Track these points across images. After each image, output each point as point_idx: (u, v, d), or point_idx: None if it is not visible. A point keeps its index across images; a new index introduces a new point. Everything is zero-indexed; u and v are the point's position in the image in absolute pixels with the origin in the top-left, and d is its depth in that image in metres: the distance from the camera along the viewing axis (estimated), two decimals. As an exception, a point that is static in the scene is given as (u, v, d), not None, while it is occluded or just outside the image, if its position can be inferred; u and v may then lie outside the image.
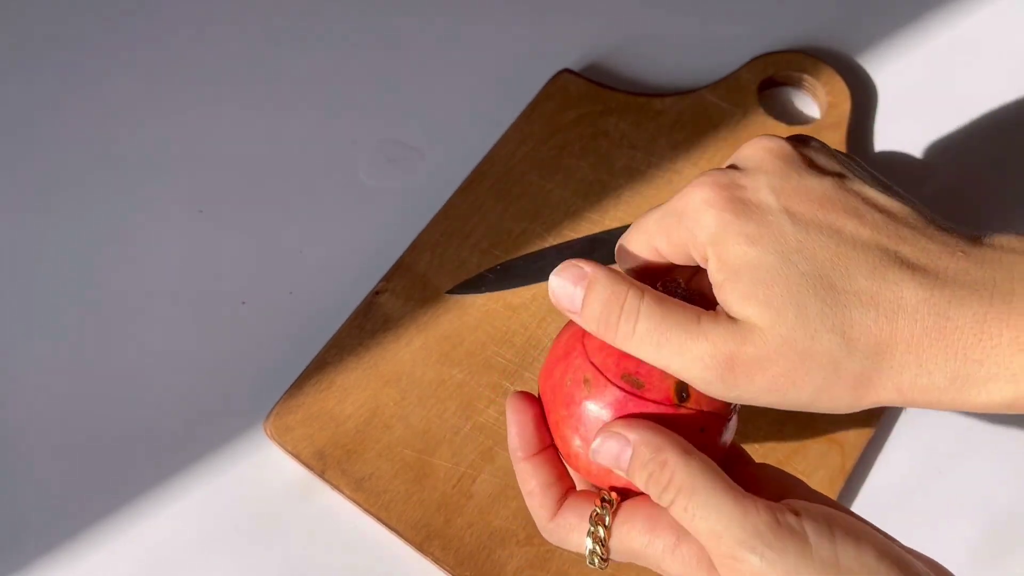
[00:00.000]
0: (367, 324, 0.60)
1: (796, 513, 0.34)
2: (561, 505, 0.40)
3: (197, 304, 0.62)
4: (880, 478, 0.56)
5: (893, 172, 0.65)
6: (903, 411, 0.57)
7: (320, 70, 0.71)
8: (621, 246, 0.42)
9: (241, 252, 0.64)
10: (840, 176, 0.38)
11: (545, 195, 0.64)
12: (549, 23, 0.72)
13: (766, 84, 0.68)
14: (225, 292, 0.62)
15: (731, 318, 0.36)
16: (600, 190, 0.63)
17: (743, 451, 0.43)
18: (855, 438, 0.55)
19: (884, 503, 0.55)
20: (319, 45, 0.72)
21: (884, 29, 0.71)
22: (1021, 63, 0.69)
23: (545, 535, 0.40)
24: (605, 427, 0.37)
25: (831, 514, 0.34)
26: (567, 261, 0.38)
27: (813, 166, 0.38)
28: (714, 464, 0.35)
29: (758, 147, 0.38)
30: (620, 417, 0.37)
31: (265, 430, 0.57)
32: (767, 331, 0.35)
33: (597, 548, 0.38)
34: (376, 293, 0.61)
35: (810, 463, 0.55)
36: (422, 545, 0.53)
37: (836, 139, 0.64)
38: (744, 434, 0.56)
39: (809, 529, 0.33)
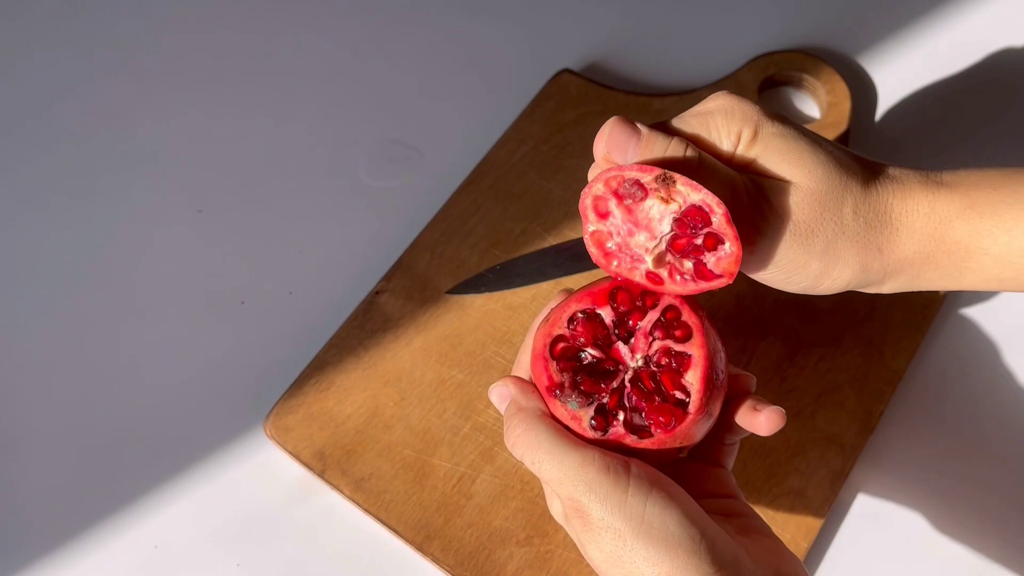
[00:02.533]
0: (367, 324, 0.60)
1: (628, 467, 0.40)
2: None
3: (197, 304, 0.62)
4: (881, 478, 0.56)
5: (893, 172, 0.65)
6: (902, 412, 0.57)
7: (320, 70, 0.71)
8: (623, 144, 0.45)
9: (241, 252, 0.64)
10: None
11: (545, 195, 0.64)
12: (549, 23, 0.72)
13: (766, 84, 0.67)
14: (225, 292, 0.63)
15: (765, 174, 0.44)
16: (600, 190, 0.63)
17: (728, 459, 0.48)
18: (855, 438, 0.55)
19: (885, 503, 0.55)
20: (319, 46, 0.72)
21: (884, 29, 0.71)
22: (1021, 63, 0.69)
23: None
24: (501, 379, 0.45)
25: (659, 478, 0.41)
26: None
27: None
28: (558, 425, 0.42)
29: (726, 97, 0.45)
30: (510, 377, 0.45)
31: (265, 430, 0.57)
32: (802, 184, 0.43)
33: None
34: (376, 293, 0.61)
35: (810, 463, 0.55)
36: (422, 545, 0.53)
37: (836, 138, 0.64)
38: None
39: (632, 484, 0.40)
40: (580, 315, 0.44)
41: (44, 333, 0.62)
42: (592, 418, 0.42)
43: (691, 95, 0.67)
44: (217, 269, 0.63)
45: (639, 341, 0.43)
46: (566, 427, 0.43)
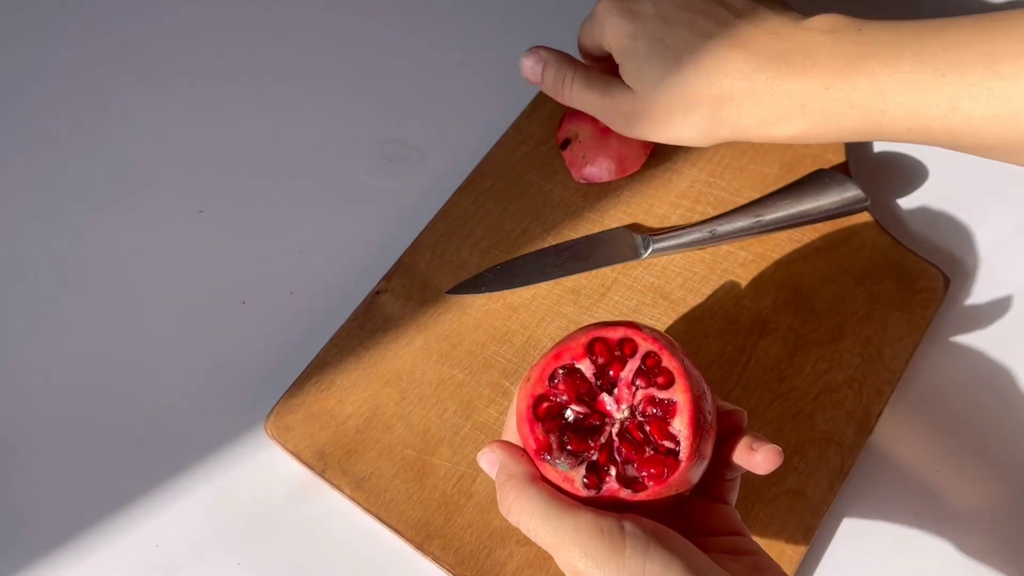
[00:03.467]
0: (367, 324, 0.60)
1: (622, 527, 0.40)
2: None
3: (197, 304, 0.62)
4: (881, 478, 0.56)
5: (892, 170, 0.65)
6: (902, 412, 0.58)
7: (320, 70, 0.71)
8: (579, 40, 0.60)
9: (241, 252, 0.64)
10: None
11: (545, 195, 0.64)
12: (549, 23, 0.72)
13: (765, 84, 0.68)
14: (225, 292, 0.63)
15: (628, 87, 0.54)
16: (600, 190, 0.63)
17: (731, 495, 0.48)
18: (854, 438, 0.56)
19: (885, 503, 0.56)
20: (319, 45, 0.72)
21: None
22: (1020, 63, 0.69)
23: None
24: (488, 444, 0.45)
25: (658, 531, 0.40)
26: (533, 47, 0.59)
27: None
28: (550, 488, 0.42)
29: None
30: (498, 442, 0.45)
31: (265, 430, 0.57)
32: (643, 96, 0.53)
33: None
34: (376, 293, 0.61)
35: (810, 463, 0.55)
36: (422, 544, 0.54)
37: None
38: (743, 434, 0.56)
39: (628, 544, 0.39)
40: (560, 371, 0.44)
41: (44, 333, 0.62)
42: (584, 476, 0.42)
43: (690, 95, 0.67)
44: (217, 269, 0.63)
45: (622, 391, 0.43)
46: (560, 488, 0.43)
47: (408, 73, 0.70)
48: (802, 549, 0.53)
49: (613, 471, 0.42)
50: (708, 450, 0.43)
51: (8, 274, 0.64)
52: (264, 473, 0.57)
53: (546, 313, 0.60)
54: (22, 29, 0.73)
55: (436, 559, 0.53)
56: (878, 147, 0.66)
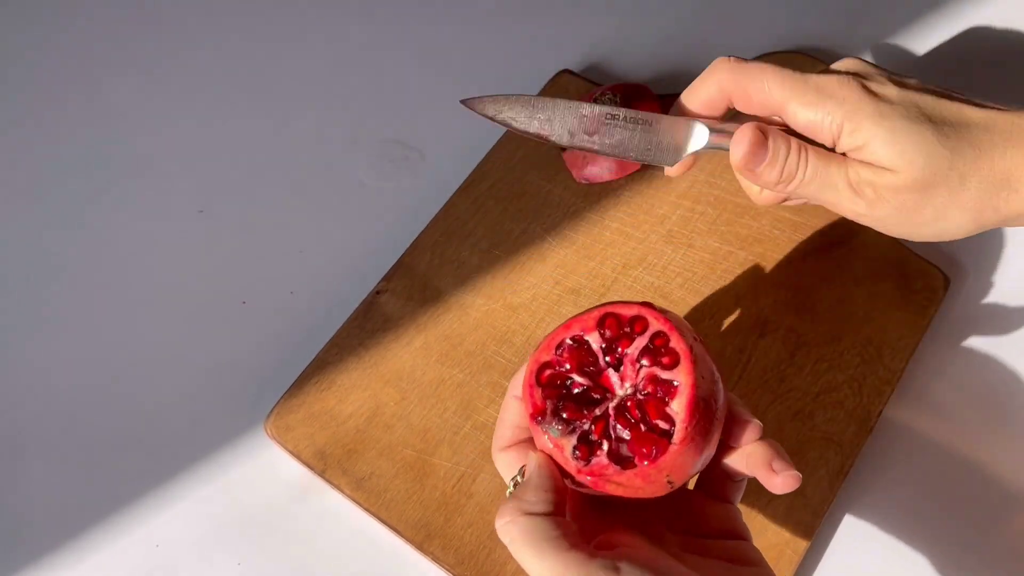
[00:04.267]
0: (367, 324, 0.60)
1: (616, 568, 0.38)
2: (512, 446, 0.45)
3: (197, 304, 0.62)
4: (881, 478, 0.56)
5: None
6: (902, 411, 0.58)
7: (320, 70, 0.71)
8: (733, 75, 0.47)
9: (241, 252, 0.64)
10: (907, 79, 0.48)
11: (545, 195, 0.64)
12: (549, 23, 0.72)
13: (765, 84, 0.68)
14: (225, 292, 0.63)
15: (869, 164, 0.45)
16: (600, 190, 0.63)
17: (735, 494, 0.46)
18: (854, 438, 0.56)
19: (885, 503, 0.56)
20: (319, 46, 0.72)
21: (884, 29, 0.71)
22: (1020, 63, 0.69)
23: (496, 459, 0.46)
24: (537, 452, 0.43)
25: (655, 563, 0.39)
26: (748, 124, 0.46)
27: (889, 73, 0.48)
28: (555, 520, 0.40)
29: (853, 63, 0.48)
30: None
31: (265, 430, 0.57)
32: (903, 170, 0.44)
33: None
34: (376, 293, 0.61)
35: (810, 463, 0.55)
36: (422, 544, 0.54)
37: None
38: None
39: None
40: (568, 342, 0.43)
41: (44, 333, 0.62)
42: (575, 447, 0.41)
43: (691, 95, 0.67)
44: (218, 269, 0.63)
45: (627, 369, 0.42)
46: (551, 459, 0.42)
47: (408, 73, 0.70)
48: (802, 549, 0.53)
49: (605, 446, 0.41)
50: (708, 442, 0.42)
51: (8, 274, 0.64)
52: (264, 473, 0.57)
53: (546, 313, 0.60)
54: (22, 29, 0.73)
55: (436, 559, 0.53)
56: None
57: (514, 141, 0.66)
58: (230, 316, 0.62)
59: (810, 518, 0.54)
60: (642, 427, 0.41)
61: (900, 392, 0.58)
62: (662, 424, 0.41)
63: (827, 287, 0.60)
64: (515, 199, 0.64)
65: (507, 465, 0.45)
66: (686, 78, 0.69)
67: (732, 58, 0.47)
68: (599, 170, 0.63)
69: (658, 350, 0.42)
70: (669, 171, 0.49)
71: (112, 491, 0.57)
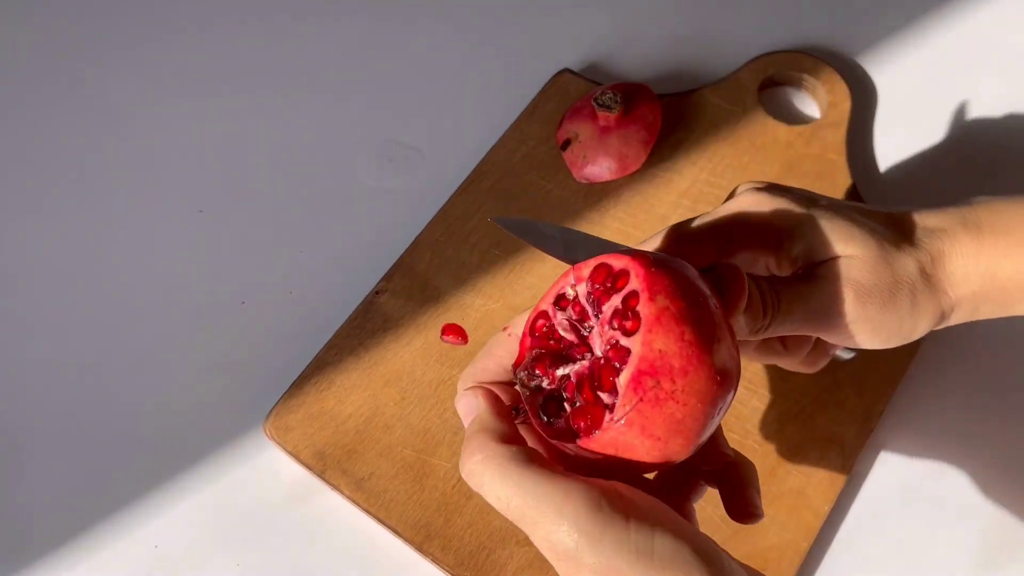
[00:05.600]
0: (367, 324, 0.60)
1: (622, 498, 0.34)
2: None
3: (197, 304, 0.62)
4: (881, 478, 0.56)
5: (892, 171, 0.65)
6: (902, 411, 0.57)
7: (320, 71, 0.71)
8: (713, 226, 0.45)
9: (241, 252, 0.64)
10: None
11: (545, 195, 0.64)
12: (549, 23, 0.72)
13: (766, 84, 0.68)
14: (225, 292, 0.63)
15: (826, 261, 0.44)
16: (600, 190, 0.63)
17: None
18: (855, 438, 0.55)
19: (885, 504, 0.55)
20: (319, 46, 0.72)
21: (884, 29, 0.71)
22: (1020, 63, 0.69)
23: (460, 391, 0.40)
24: (467, 389, 0.39)
25: (656, 506, 0.35)
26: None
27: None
28: (531, 451, 0.36)
29: (755, 192, 0.46)
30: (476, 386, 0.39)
31: (265, 430, 0.57)
32: (857, 255, 0.44)
33: None
34: (376, 293, 0.61)
35: (810, 463, 0.55)
36: (422, 545, 0.53)
37: (836, 139, 0.64)
38: (745, 432, 0.56)
39: (633, 516, 0.34)
40: (564, 294, 0.38)
41: (44, 333, 0.62)
42: (542, 405, 0.37)
43: (691, 95, 0.67)
44: (217, 269, 0.63)
45: (603, 329, 0.37)
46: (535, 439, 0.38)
47: (408, 73, 0.70)
48: (804, 550, 0.53)
49: (568, 410, 0.36)
50: (674, 428, 0.35)
51: (8, 274, 0.64)
52: (263, 474, 0.57)
53: (546, 313, 0.59)
54: (22, 30, 0.73)
55: (436, 560, 0.53)
56: (879, 148, 0.66)
57: (514, 141, 0.65)
58: (230, 316, 0.62)
59: (811, 518, 0.54)
60: (595, 396, 0.36)
61: (901, 392, 0.58)
62: (604, 396, 0.36)
63: (828, 287, 0.60)
64: (515, 199, 0.63)
65: (469, 408, 0.39)
66: (686, 77, 0.69)
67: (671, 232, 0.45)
68: (599, 170, 0.63)
69: (626, 312, 0.36)
70: None
71: (112, 492, 0.57)
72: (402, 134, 0.68)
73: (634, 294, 0.36)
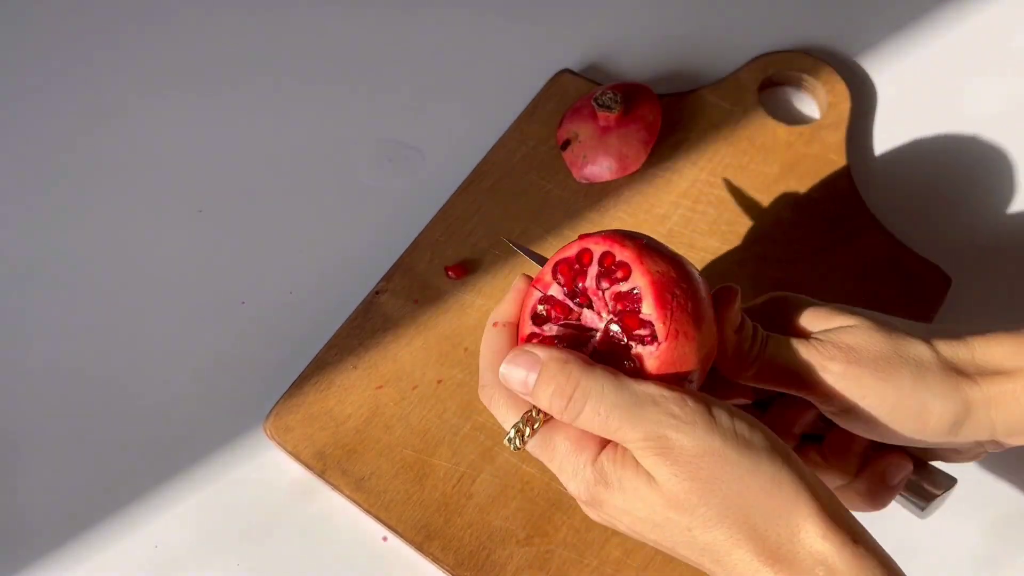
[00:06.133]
0: (367, 324, 0.60)
1: (697, 397, 0.39)
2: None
3: (197, 304, 0.62)
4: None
5: (892, 171, 0.65)
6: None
7: (320, 70, 0.71)
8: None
9: (241, 252, 0.64)
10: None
11: (545, 195, 0.64)
12: (549, 23, 0.72)
13: (766, 84, 0.68)
14: (225, 292, 0.63)
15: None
16: (600, 190, 0.63)
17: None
18: (855, 438, 0.55)
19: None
20: (319, 45, 0.72)
21: (884, 29, 0.71)
22: (1020, 64, 0.69)
23: (483, 392, 0.44)
24: (515, 349, 0.42)
25: (722, 400, 0.40)
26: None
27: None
28: (616, 371, 0.40)
29: None
30: (526, 341, 0.43)
31: (265, 430, 0.57)
32: (857, 325, 0.44)
33: (517, 440, 0.42)
34: (376, 293, 0.61)
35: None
36: (422, 545, 0.53)
37: (836, 139, 0.64)
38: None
39: (713, 407, 0.39)
40: (539, 307, 0.43)
41: (44, 333, 0.62)
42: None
43: (691, 95, 0.67)
44: (217, 269, 0.63)
45: (596, 302, 0.42)
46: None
47: (408, 73, 0.70)
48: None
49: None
50: (701, 323, 0.41)
51: (8, 274, 0.64)
52: (264, 474, 0.57)
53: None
54: (22, 30, 0.73)
55: (436, 560, 0.53)
56: (879, 148, 0.66)
57: (514, 141, 0.65)
58: (230, 316, 0.62)
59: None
60: (631, 334, 0.41)
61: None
62: (641, 332, 0.40)
63: (828, 287, 0.60)
64: (515, 199, 0.63)
65: (506, 405, 0.43)
66: (686, 77, 0.69)
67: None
68: (599, 170, 0.63)
69: (609, 269, 0.41)
70: None
71: (112, 491, 0.57)
72: (402, 134, 0.68)
73: (606, 254, 0.41)
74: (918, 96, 0.68)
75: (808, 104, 0.68)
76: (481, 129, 0.67)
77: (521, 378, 0.41)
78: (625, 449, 0.40)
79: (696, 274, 0.42)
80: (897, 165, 0.66)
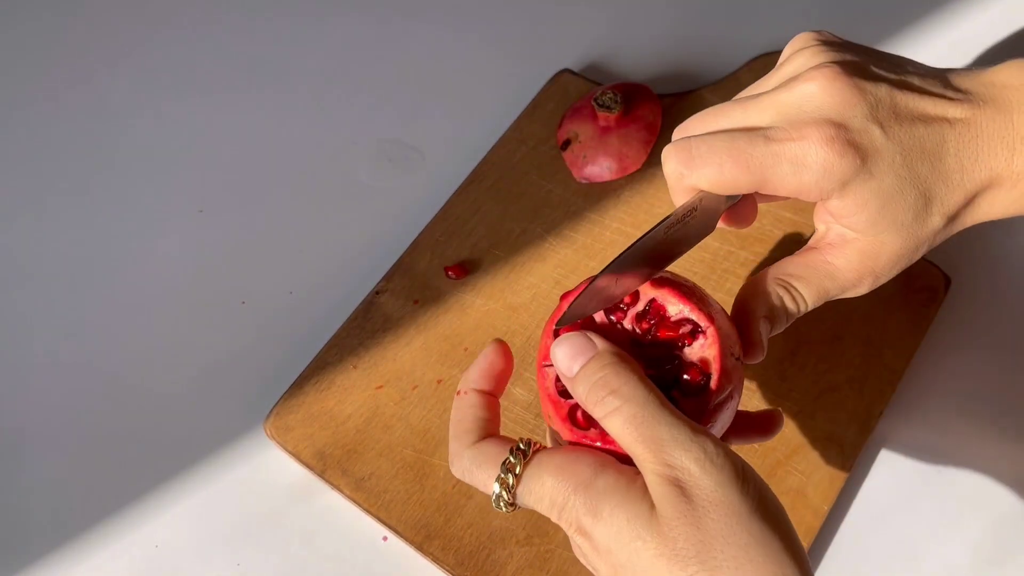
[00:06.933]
0: (367, 324, 0.60)
1: (734, 454, 0.37)
2: (482, 440, 0.42)
3: (197, 304, 0.62)
4: (881, 478, 0.56)
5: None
6: (903, 411, 0.57)
7: (320, 71, 0.71)
8: (687, 158, 0.42)
9: (241, 252, 0.64)
10: (878, 74, 0.43)
11: (545, 195, 0.64)
12: (549, 23, 0.72)
13: (766, 84, 0.67)
14: (225, 292, 0.63)
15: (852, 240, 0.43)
16: (600, 190, 0.63)
17: None
18: (855, 438, 0.55)
19: (885, 504, 0.55)
20: (319, 46, 0.72)
21: (884, 30, 0.71)
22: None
23: (455, 466, 0.42)
24: (569, 332, 0.40)
25: (758, 476, 0.38)
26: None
27: (867, 81, 0.42)
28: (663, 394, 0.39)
29: (826, 85, 0.42)
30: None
31: (265, 430, 0.57)
32: (891, 243, 0.42)
33: (503, 493, 0.39)
34: (376, 293, 0.61)
35: (810, 463, 0.55)
36: (422, 545, 0.53)
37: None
38: (744, 434, 0.56)
39: (747, 467, 0.37)
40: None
41: (44, 333, 0.62)
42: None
43: (691, 95, 0.67)
44: (217, 269, 0.63)
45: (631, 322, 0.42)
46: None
47: (408, 73, 0.70)
48: (805, 549, 0.53)
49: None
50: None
51: (8, 274, 0.64)
52: (264, 473, 0.57)
53: (546, 313, 0.60)
54: (22, 30, 0.73)
55: (436, 559, 0.53)
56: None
57: (514, 141, 0.65)
58: (230, 316, 0.62)
59: (811, 518, 0.54)
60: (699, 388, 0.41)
61: (902, 392, 0.58)
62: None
63: (828, 287, 0.60)
64: (515, 199, 0.63)
65: (489, 457, 0.40)
66: (686, 77, 0.69)
67: (678, 146, 0.43)
68: (599, 170, 0.63)
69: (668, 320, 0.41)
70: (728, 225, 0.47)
71: (112, 491, 0.57)
72: (402, 134, 0.68)
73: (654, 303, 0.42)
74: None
75: (808, 104, 0.68)
76: (481, 129, 0.67)
77: (567, 361, 0.39)
78: (630, 478, 0.38)
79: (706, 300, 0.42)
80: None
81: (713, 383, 0.40)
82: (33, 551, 0.56)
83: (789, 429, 0.56)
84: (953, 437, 0.57)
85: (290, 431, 0.57)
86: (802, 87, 0.42)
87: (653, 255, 0.42)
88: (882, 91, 0.42)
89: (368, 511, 0.54)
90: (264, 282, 0.63)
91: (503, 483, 0.39)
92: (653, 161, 0.64)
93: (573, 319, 0.40)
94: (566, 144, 0.64)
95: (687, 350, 0.41)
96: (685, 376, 0.40)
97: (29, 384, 0.60)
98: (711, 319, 0.41)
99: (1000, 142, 0.42)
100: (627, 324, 0.42)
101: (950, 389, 0.58)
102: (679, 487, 0.36)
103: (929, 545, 0.54)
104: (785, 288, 0.43)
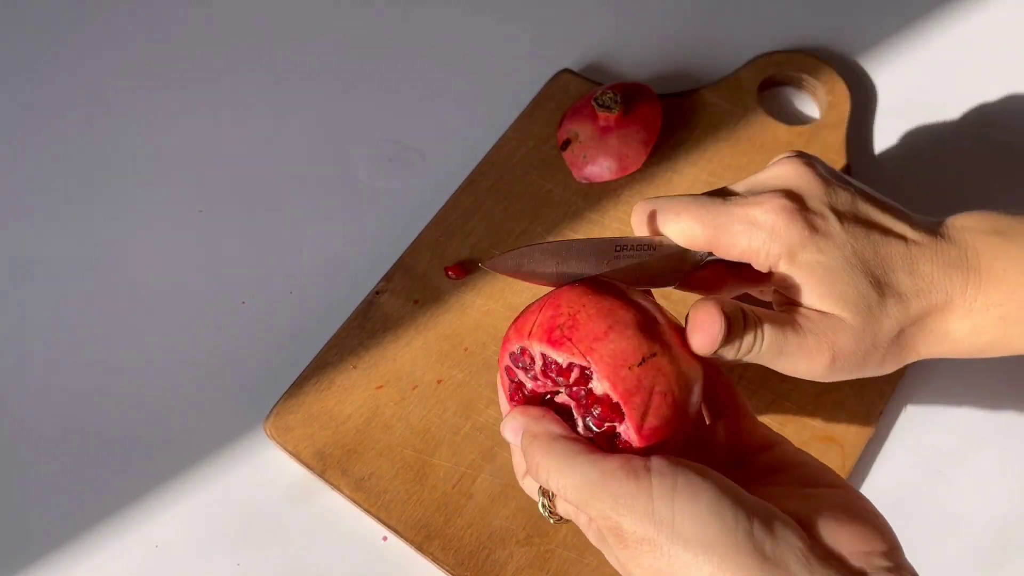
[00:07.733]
0: (367, 324, 0.60)
1: (647, 467, 0.38)
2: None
3: (197, 304, 0.62)
4: (881, 478, 0.56)
5: (892, 172, 0.65)
6: (902, 411, 0.57)
7: (320, 70, 0.71)
8: (652, 213, 0.46)
9: (241, 252, 0.64)
10: (846, 184, 0.47)
11: (545, 195, 0.64)
12: (549, 23, 0.72)
13: (766, 84, 0.68)
14: (225, 292, 0.63)
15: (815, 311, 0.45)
16: (600, 190, 0.63)
17: (741, 404, 0.46)
18: (855, 438, 0.55)
19: (885, 503, 0.55)
20: (319, 45, 0.72)
21: (884, 30, 0.71)
22: (1020, 64, 0.69)
23: (521, 482, 0.46)
24: (510, 411, 0.43)
25: (683, 465, 0.38)
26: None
27: (834, 181, 0.46)
28: (580, 441, 0.40)
29: (794, 169, 0.46)
30: (514, 405, 0.44)
31: (265, 430, 0.57)
32: (846, 320, 0.44)
33: (546, 503, 0.43)
34: (376, 293, 0.61)
35: (810, 463, 0.55)
36: (422, 545, 0.53)
37: (836, 139, 0.64)
38: (744, 434, 0.56)
39: (655, 485, 0.38)
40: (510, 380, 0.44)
41: (44, 333, 0.62)
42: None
43: (691, 95, 0.67)
44: (217, 269, 0.63)
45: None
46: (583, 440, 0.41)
47: (408, 73, 0.70)
48: (803, 549, 0.53)
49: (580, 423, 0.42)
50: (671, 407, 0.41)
51: (8, 274, 0.64)
52: (264, 474, 0.57)
53: (546, 313, 0.59)
54: (22, 30, 0.73)
55: (436, 560, 0.53)
56: (879, 148, 0.66)
57: (514, 141, 0.65)
58: (230, 316, 0.62)
59: (811, 518, 0.54)
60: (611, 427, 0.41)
61: (902, 392, 0.58)
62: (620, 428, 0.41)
63: (828, 287, 0.60)
64: (515, 199, 0.63)
65: (526, 477, 0.45)
66: (686, 77, 0.69)
67: (645, 203, 0.46)
68: (599, 170, 0.63)
69: (548, 366, 0.41)
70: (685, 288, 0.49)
71: (112, 491, 0.57)
72: (402, 134, 0.68)
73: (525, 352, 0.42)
74: (918, 96, 0.68)
75: (808, 104, 0.68)
76: (481, 129, 0.67)
77: (510, 439, 0.43)
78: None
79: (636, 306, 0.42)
80: (897, 165, 0.66)
81: (623, 405, 0.40)
82: (33, 551, 0.56)
83: (789, 430, 0.56)
84: (954, 437, 0.57)
85: (290, 431, 0.57)
86: (774, 169, 0.47)
87: (599, 261, 0.44)
88: (846, 194, 0.46)
89: (368, 511, 0.54)
90: (264, 282, 0.63)
91: (545, 493, 0.43)
92: (653, 161, 0.64)
93: (497, 268, 0.43)
94: (566, 144, 0.64)
95: (592, 385, 0.41)
96: (596, 412, 0.41)
97: (28, 384, 0.60)
98: (590, 348, 0.40)
99: (955, 270, 0.45)
100: (534, 386, 0.43)
101: (951, 389, 0.58)
102: (615, 534, 0.38)
103: (930, 545, 0.54)
104: (751, 313, 0.44)
